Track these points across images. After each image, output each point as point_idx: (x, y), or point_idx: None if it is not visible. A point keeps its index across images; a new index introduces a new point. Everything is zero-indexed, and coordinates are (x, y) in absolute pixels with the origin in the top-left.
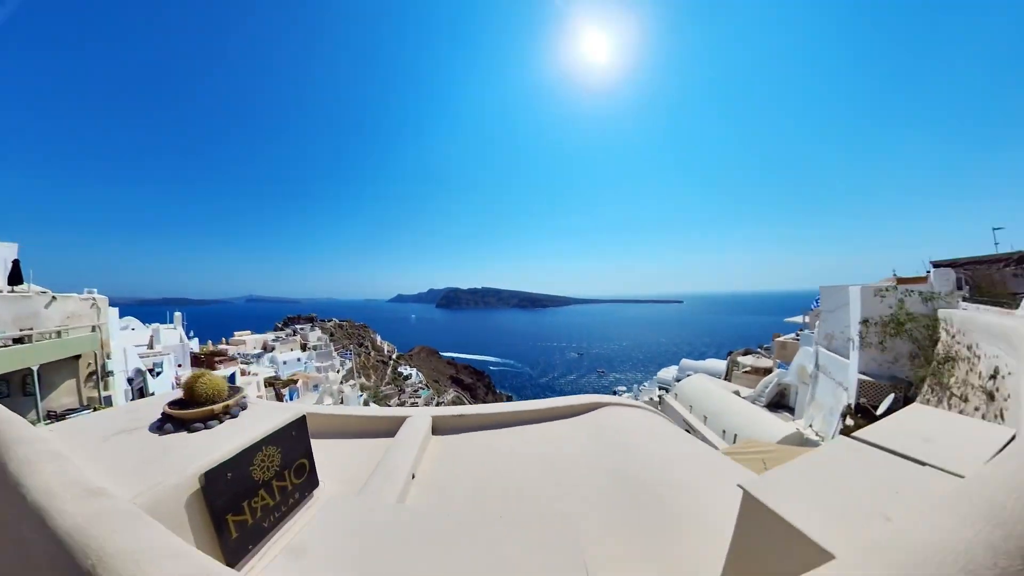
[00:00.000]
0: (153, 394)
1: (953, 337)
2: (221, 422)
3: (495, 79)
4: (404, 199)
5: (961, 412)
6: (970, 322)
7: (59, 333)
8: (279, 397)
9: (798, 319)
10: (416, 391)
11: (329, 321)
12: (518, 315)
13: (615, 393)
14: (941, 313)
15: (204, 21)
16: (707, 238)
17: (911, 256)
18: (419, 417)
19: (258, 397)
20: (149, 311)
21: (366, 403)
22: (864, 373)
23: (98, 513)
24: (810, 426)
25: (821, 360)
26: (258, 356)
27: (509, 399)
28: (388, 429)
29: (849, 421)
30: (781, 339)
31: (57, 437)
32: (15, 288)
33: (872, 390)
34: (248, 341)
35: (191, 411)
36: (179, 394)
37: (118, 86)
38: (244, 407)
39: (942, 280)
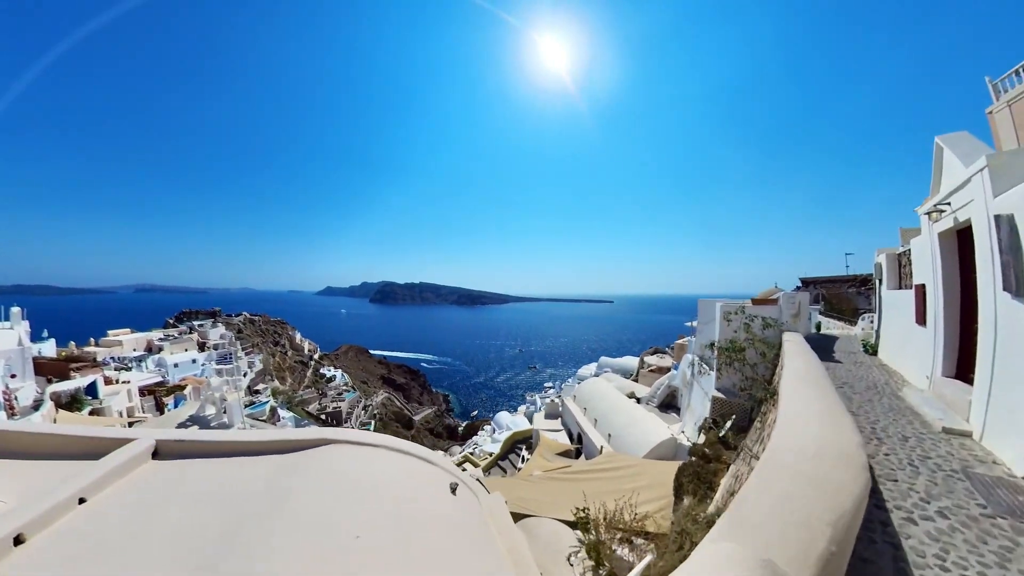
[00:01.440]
0: None
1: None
2: None
3: (451, 74)
4: (338, 183)
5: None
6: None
7: None
8: (160, 407)
9: (694, 323)
10: (340, 394)
11: (238, 316)
12: (457, 312)
13: (543, 391)
14: (785, 336)
15: None
16: (639, 242)
17: (802, 267)
18: (144, 440)
19: (128, 407)
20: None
21: (272, 410)
22: (720, 390)
23: None
24: (683, 432)
25: (696, 369)
26: (139, 359)
27: (446, 399)
28: (92, 451)
29: (701, 437)
30: (681, 341)
31: None
32: None
33: (722, 408)
34: (126, 341)
35: None
36: None
37: None
38: None
39: (788, 304)
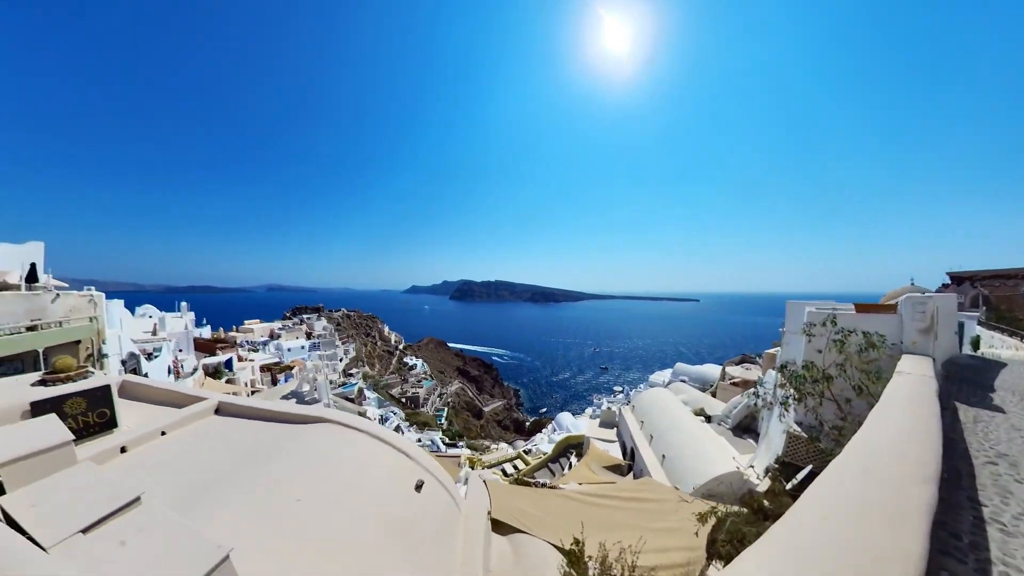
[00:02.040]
0: (147, 375)
1: None
2: (72, 381)
3: (515, 71)
4: (422, 193)
5: None
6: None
7: (60, 323)
8: (274, 381)
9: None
10: (419, 381)
11: (337, 311)
12: (531, 309)
13: (611, 394)
14: (903, 364)
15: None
16: (727, 238)
17: (960, 256)
18: (211, 400)
19: (252, 379)
20: (176, 298)
21: (360, 391)
22: (801, 425)
23: None
24: (751, 467)
25: (777, 392)
26: (264, 343)
27: (517, 393)
28: (181, 403)
29: (763, 483)
30: (773, 350)
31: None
32: (32, 286)
33: (798, 449)
34: (256, 329)
35: (53, 375)
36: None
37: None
38: (86, 376)
39: (915, 312)
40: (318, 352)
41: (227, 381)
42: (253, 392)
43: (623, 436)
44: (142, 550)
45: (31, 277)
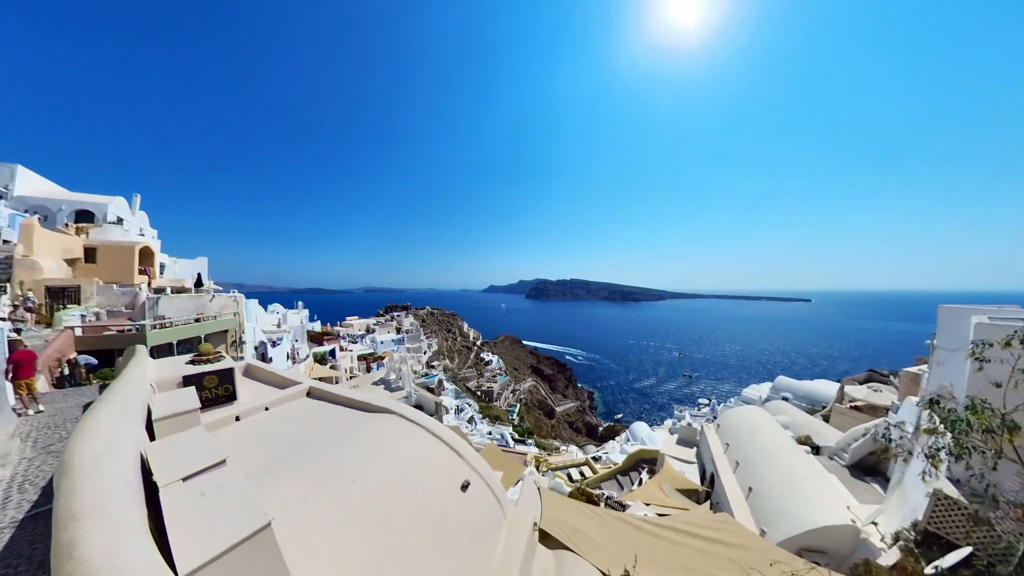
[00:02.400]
0: (271, 359)
1: None
2: (210, 362)
3: (578, 50)
4: (497, 196)
5: None
6: None
7: (215, 317)
8: (368, 368)
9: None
10: (494, 376)
11: (423, 309)
12: (607, 308)
13: (696, 406)
14: None
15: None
16: (848, 222)
17: None
18: (304, 385)
19: (349, 367)
20: (296, 298)
21: (439, 382)
22: (958, 483)
23: None
24: (873, 524)
25: (920, 430)
26: (361, 337)
27: (591, 395)
28: (283, 385)
29: (889, 552)
30: (915, 369)
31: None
32: (198, 289)
33: (950, 518)
34: (355, 324)
35: (199, 357)
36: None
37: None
38: (220, 359)
39: None
40: (405, 345)
41: (330, 367)
42: (351, 377)
43: (703, 457)
44: (211, 504)
45: (198, 283)
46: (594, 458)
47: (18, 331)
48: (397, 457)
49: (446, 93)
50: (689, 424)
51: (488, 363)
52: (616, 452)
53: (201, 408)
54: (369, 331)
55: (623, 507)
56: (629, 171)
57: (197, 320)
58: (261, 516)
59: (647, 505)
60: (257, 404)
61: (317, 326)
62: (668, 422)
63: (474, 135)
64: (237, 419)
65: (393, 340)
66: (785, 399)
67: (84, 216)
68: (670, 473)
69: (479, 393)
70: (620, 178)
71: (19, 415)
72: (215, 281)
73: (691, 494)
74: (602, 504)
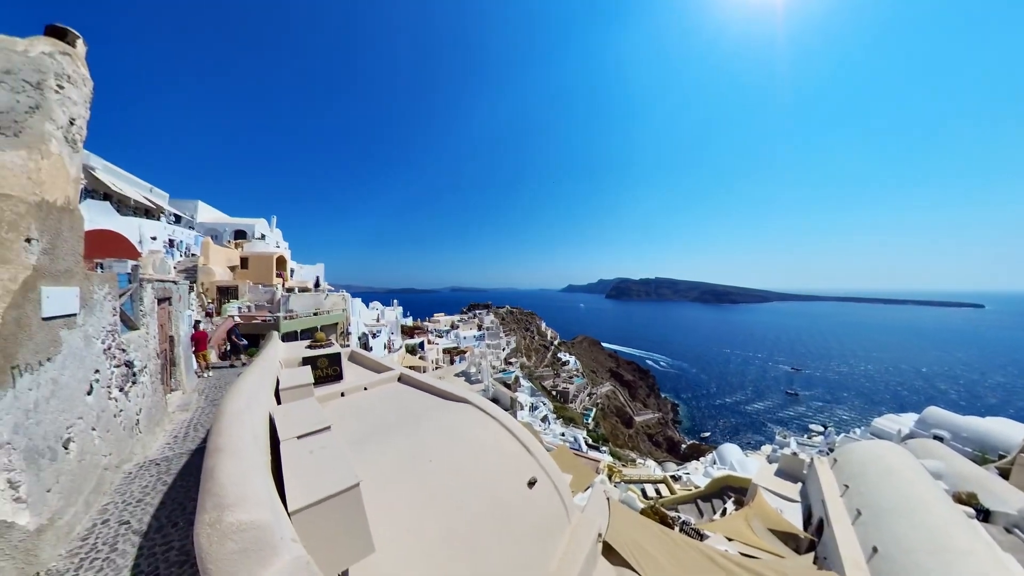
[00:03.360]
0: (371, 349)
1: None
2: (322, 347)
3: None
4: (579, 192)
5: None
6: None
7: (328, 312)
8: (451, 361)
9: None
10: (571, 377)
11: (503, 308)
12: (698, 311)
13: (806, 433)
14: None
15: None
16: None
17: None
18: (396, 372)
19: (435, 359)
20: (392, 297)
21: (516, 379)
22: None
23: None
24: None
25: None
26: (446, 332)
27: (675, 407)
28: (379, 369)
29: None
30: None
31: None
32: (317, 289)
33: None
34: (441, 320)
35: (315, 343)
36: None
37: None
38: (330, 345)
39: None
40: (485, 342)
41: (419, 358)
42: (436, 368)
43: (810, 497)
44: (317, 460)
45: (316, 284)
46: (673, 477)
47: (200, 319)
48: (471, 445)
49: (524, 94)
50: (794, 454)
51: (565, 363)
52: (699, 474)
53: (314, 384)
54: (453, 327)
55: (700, 536)
56: (725, 152)
57: (315, 314)
58: (352, 476)
59: (729, 540)
60: (357, 384)
61: (409, 321)
62: (766, 448)
63: (550, 134)
64: (342, 395)
65: (474, 336)
66: (939, 438)
67: (239, 234)
68: (763, 508)
69: (554, 393)
70: (712, 163)
71: (198, 376)
72: (328, 283)
73: (789, 539)
74: (677, 528)
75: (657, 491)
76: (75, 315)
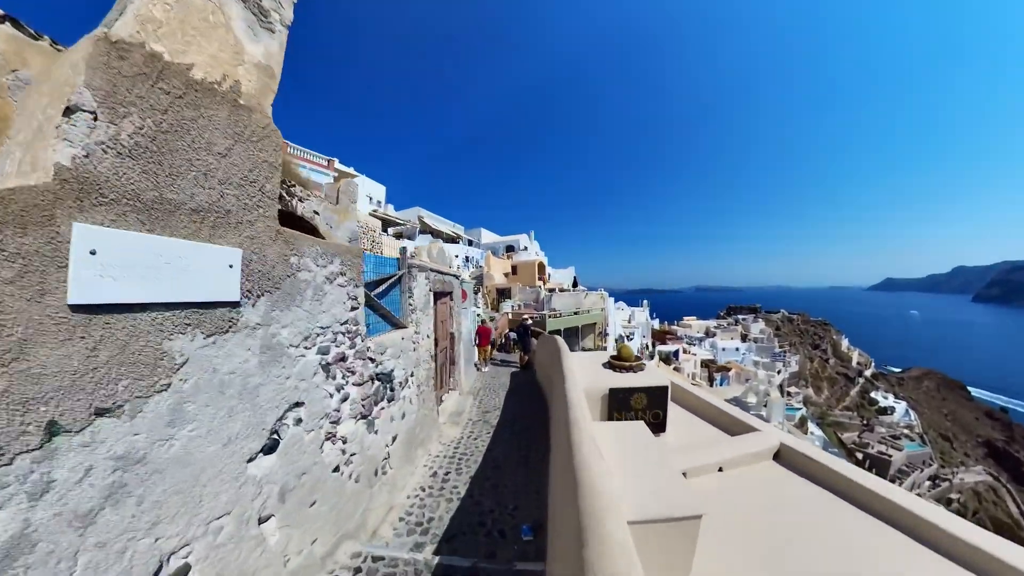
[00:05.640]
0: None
1: None
2: (631, 372)
3: None
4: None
5: None
6: None
7: (588, 311)
8: (711, 379)
9: None
10: (896, 437)
11: (776, 312)
12: None
13: None
14: None
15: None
16: None
17: None
18: (770, 438)
19: (692, 373)
20: (630, 298)
21: (802, 420)
22: None
23: None
24: None
25: None
26: (700, 339)
27: None
28: (727, 427)
29: None
30: None
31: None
32: (575, 289)
33: None
34: (693, 325)
35: (618, 362)
36: (613, 353)
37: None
38: (642, 369)
39: None
40: (753, 357)
41: (674, 369)
42: (692, 384)
43: None
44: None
45: (574, 284)
46: None
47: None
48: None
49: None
50: None
51: (886, 411)
52: None
53: None
54: (708, 334)
55: None
56: None
57: (576, 313)
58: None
59: None
60: (703, 462)
61: (656, 324)
62: None
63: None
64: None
65: (737, 348)
66: None
67: (509, 248)
68: None
69: (861, 456)
70: None
71: (479, 370)
72: (581, 283)
73: None
74: None
75: None
76: (237, 305)
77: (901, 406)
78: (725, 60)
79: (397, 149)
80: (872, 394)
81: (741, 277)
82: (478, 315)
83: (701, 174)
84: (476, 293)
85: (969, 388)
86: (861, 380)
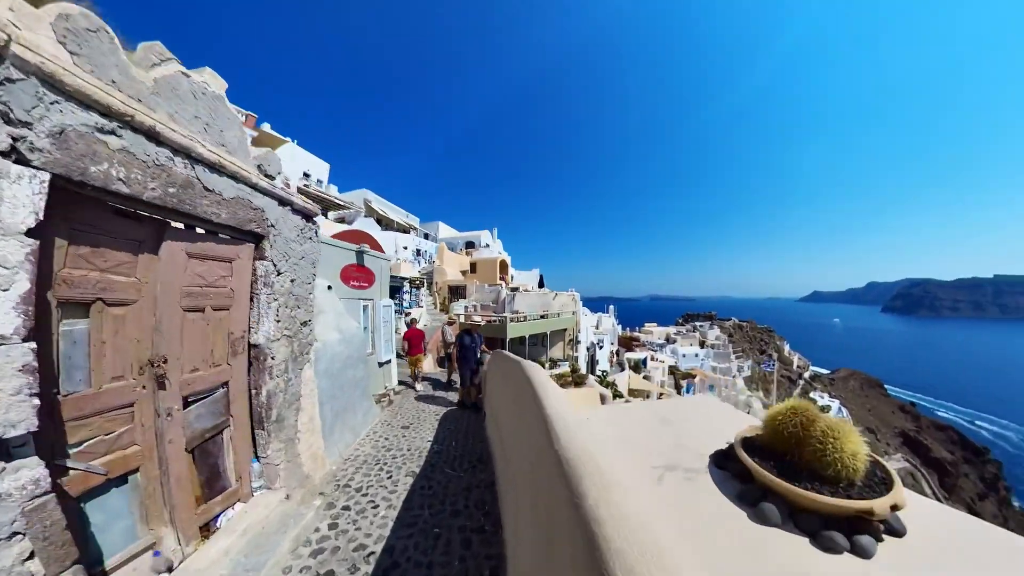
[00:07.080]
0: (598, 362)
1: None
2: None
3: None
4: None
5: None
6: None
7: (558, 314)
8: (677, 387)
9: None
10: None
11: (728, 320)
12: None
13: None
14: None
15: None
16: None
17: None
18: None
19: (661, 381)
20: (595, 304)
21: None
22: None
23: None
24: None
25: None
26: (661, 346)
27: None
28: None
29: None
30: None
31: None
32: (542, 291)
33: None
34: (654, 332)
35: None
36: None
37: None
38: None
39: None
40: (711, 363)
41: (644, 378)
42: (660, 394)
43: None
44: None
45: (540, 284)
46: None
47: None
48: None
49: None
50: None
51: (825, 409)
52: None
53: None
54: (669, 340)
55: None
56: None
57: (543, 316)
58: None
59: None
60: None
61: (618, 329)
62: None
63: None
64: None
65: (696, 355)
66: None
67: (469, 244)
68: None
69: None
70: None
71: (409, 388)
72: (547, 286)
73: None
74: None
75: None
76: None
77: (835, 404)
78: (672, 86)
79: (383, 155)
80: (811, 394)
81: (693, 287)
82: (407, 315)
83: (657, 186)
84: (420, 288)
85: (886, 386)
86: (802, 382)
